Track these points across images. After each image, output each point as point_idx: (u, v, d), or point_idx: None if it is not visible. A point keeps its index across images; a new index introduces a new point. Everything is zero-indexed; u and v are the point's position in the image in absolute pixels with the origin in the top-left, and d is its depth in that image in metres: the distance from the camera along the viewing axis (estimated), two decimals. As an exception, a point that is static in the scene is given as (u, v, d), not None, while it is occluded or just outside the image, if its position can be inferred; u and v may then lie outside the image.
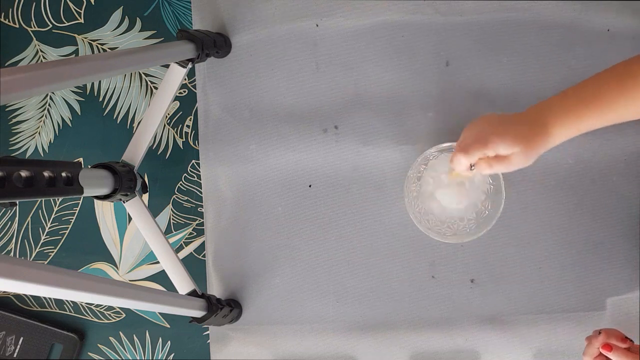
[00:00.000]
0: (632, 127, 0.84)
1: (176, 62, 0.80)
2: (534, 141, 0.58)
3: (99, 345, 0.97)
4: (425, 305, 0.89)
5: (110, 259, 0.96)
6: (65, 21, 0.96)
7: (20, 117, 0.98)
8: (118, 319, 0.96)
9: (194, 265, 0.94)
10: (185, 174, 0.95)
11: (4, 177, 0.56)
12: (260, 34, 0.90)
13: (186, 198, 0.95)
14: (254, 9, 0.90)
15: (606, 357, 0.69)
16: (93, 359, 0.97)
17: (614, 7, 0.83)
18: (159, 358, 0.96)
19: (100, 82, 0.96)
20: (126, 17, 0.95)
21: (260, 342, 0.93)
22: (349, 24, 0.88)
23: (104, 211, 0.96)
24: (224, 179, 0.92)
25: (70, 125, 0.97)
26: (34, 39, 0.97)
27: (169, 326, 0.96)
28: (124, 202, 0.81)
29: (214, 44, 0.85)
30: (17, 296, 0.98)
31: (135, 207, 0.82)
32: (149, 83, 0.95)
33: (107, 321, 0.97)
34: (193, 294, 0.83)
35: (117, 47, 0.95)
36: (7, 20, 0.97)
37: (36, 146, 0.97)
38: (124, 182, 0.76)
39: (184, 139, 0.95)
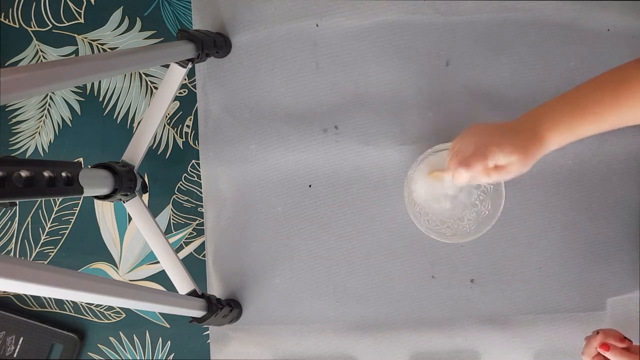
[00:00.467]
0: (632, 127, 0.83)
1: (176, 62, 0.80)
2: (531, 149, 0.58)
3: (99, 345, 0.97)
4: (425, 305, 0.89)
5: (110, 259, 0.96)
6: (65, 21, 0.96)
7: (20, 117, 0.98)
8: (118, 319, 0.96)
9: (194, 265, 0.94)
10: (185, 174, 0.95)
11: (4, 177, 0.56)
12: (260, 34, 0.90)
13: (186, 198, 0.95)
14: (254, 9, 0.90)
15: (604, 356, 0.69)
16: (93, 359, 0.97)
17: (614, 7, 0.83)
18: (159, 358, 0.96)
19: (100, 82, 0.96)
20: (126, 17, 0.95)
21: (260, 342, 0.93)
22: (349, 24, 0.88)
23: (104, 211, 0.96)
24: (224, 179, 0.92)
25: (70, 125, 0.97)
26: (34, 39, 0.97)
27: (169, 326, 0.96)
28: (124, 202, 0.81)
29: (214, 44, 0.85)
30: (17, 296, 0.98)
31: (135, 207, 0.82)
32: (149, 83, 0.95)
33: (107, 321, 0.97)
34: (193, 294, 0.83)
35: (117, 47, 0.95)
36: (7, 20, 0.97)
37: (36, 146, 0.97)
38: (124, 182, 0.76)
39: (184, 139, 0.95)
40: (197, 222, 0.95)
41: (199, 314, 0.81)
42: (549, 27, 0.84)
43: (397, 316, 0.89)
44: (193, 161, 0.94)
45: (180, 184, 0.95)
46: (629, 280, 0.85)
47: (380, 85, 0.88)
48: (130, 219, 0.95)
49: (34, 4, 0.96)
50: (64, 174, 0.65)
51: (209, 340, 0.94)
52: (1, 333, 0.95)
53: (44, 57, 0.96)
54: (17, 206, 0.98)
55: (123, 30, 0.95)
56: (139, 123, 0.94)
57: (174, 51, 0.78)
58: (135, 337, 0.96)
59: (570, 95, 0.58)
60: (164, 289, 0.93)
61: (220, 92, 0.92)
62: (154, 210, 0.95)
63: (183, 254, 0.95)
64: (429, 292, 0.89)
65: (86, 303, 0.97)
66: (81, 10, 0.95)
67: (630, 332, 0.82)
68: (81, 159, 0.96)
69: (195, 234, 0.95)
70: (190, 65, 0.81)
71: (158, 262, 0.94)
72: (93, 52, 0.96)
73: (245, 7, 0.90)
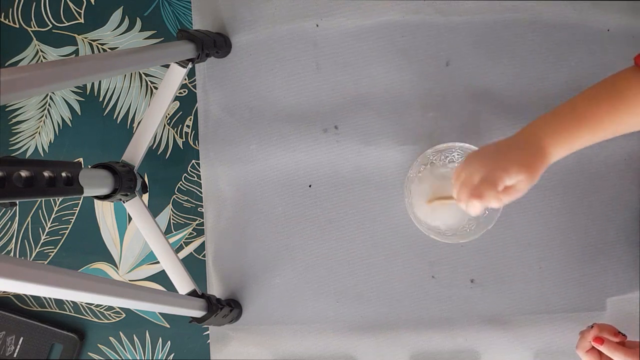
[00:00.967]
0: (632, 127, 0.83)
1: (176, 62, 0.80)
2: (535, 164, 0.57)
3: (99, 345, 0.97)
4: (425, 305, 0.89)
5: (110, 259, 0.96)
6: (65, 21, 0.96)
7: (20, 117, 0.98)
8: (118, 319, 0.96)
9: (194, 265, 0.94)
10: (185, 174, 0.95)
11: (4, 177, 0.56)
12: (261, 34, 0.90)
13: (186, 198, 0.95)
14: (254, 9, 0.90)
15: (598, 350, 0.69)
16: (93, 359, 0.97)
17: (614, 7, 0.83)
18: (159, 358, 0.96)
19: (100, 82, 0.96)
20: (126, 17, 0.94)
21: (260, 342, 0.93)
22: (349, 24, 0.88)
23: (104, 211, 0.96)
24: (224, 179, 0.92)
25: (70, 125, 0.97)
26: (34, 39, 0.97)
27: (169, 326, 0.96)
28: (124, 202, 0.81)
29: (214, 44, 0.85)
30: (17, 296, 0.98)
31: (135, 207, 0.82)
32: (149, 83, 0.95)
33: (107, 321, 0.97)
34: (193, 294, 0.83)
35: (117, 47, 0.95)
36: (7, 20, 0.97)
37: (36, 146, 0.97)
38: (124, 182, 0.76)
39: (184, 139, 0.95)
40: (197, 222, 0.95)
41: (199, 314, 0.81)
42: (549, 27, 0.84)
43: (398, 316, 0.89)
44: (193, 161, 0.94)
45: (180, 184, 0.95)
46: (629, 280, 0.85)
47: (381, 85, 0.88)
48: (130, 219, 0.95)
49: (34, 4, 0.96)
50: (64, 174, 0.65)
51: (209, 340, 0.94)
52: (1, 333, 0.95)
53: (44, 57, 0.96)
54: (17, 206, 0.98)
55: (123, 30, 0.95)
56: (139, 123, 0.94)
57: (174, 51, 0.78)
58: (135, 337, 0.96)
59: (567, 106, 0.58)
60: (164, 289, 0.93)
61: (220, 92, 0.92)
62: (154, 210, 0.95)
63: (183, 254, 0.95)
64: (429, 292, 0.88)
65: (86, 303, 0.97)
66: (81, 10, 0.95)
67: (630, 332, 0.82)
68: (81, 159, 0.96)
69: (195, 234, 0.95)
70: (190, 65, 0.80)
71: (158, 262, 0.94)
72: (93, 52, 0.96)
73: (246, 7, 0.90)
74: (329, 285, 0.91)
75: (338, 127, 0.89)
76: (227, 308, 0.86)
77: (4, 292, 0.98)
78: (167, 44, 0.79)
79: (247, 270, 0.93)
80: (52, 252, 0.97)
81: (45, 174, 0.62)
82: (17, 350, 0.94)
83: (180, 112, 0.94)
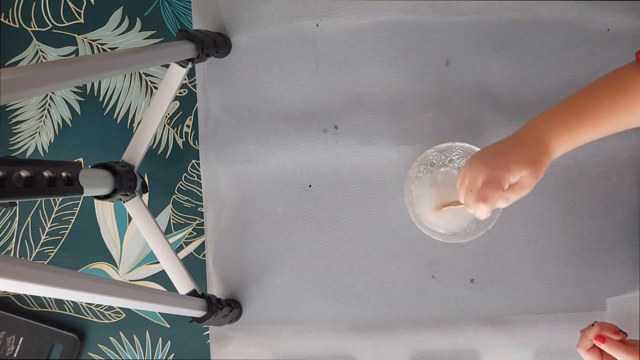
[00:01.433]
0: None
1: (176, 62, 0.80)
2: (538, 159, 0.57)
3: (99, 345, 0.97)
4: (425, 305, 0.89)
5: (110, 259, 0.96)
6: (65, 21, 0.96)
7: (20, 117, 0.98)
8: (118, 319, 0.96)
9: (194, 265, 0.94)
10: (185, 174, 0.95)
11: (4, 177, 0.56)
12: (260, 34, 0.90)
13: (186, 198, 0.95)
14: (254, 9, 0.90)
15: (599, 349, 0.69)
16: (93, 359, 0.97)
17: (614, 7, 0.83)
18: (159, 358, 0.96)
19: (100, 82, 0.96)
20: (126, 17, 0.95)
21: (260, 342, 0.93)
22: (349, 24, 0.88)
23: (104, 211, 0.96)
24: (224, 179, 0.92)
25: (70, 125, 0.97)
26: (34, 39, 0.97)
27: (169, 326, 0.96)
28: (124, 202, 0.81)
29: (214, 44, 0.85)
30: (17, 296, 0.98)
31: (135, 207, 0.82)
32: (149, 83, 0.95)
33: (107, 321, 0.97)
34: (193, 294, 0.83)
35: (117, 47, 0.95)
36: (7, 20, 0.97)
37: (36, 146, 0.97)
38: (124, 182, 0.76)
39: (184, 139, 0.95)
40: (197, 222, 0.95)
41: (199, 314, 0.81)
42: (549, 27, 0.84)
43: (397, 316, 0.89)
44: (193, 161, 0.94)
45: (180, 184, 0.95)
46: (629, 280, 0.85)
47: (380, 85, 0.88)
48: (130, 219, 0.95)
49: (34, 4, 0.96)
50: (64, 174, 0.65)
51: (209, 340, 0.94)
52: (1, 333, 0.95)
53: (44, 57, 0.96)
54: (17, 206, 0.98)
55: (123, 30, 0.95)
56: (139, 123, 0.94)
57: (174, 51, 0.78)
58: (135, 337, 0.96)
59: (568, 102, 0.58)
60: (164, 289, 0.93)
61: (220, 92, 0.92)
62: (154, 210, 0.95)
63: (183, 254, 0.95)
64: (429, 292, 0.88)
65: (86, 303, 0.97)
66: (81, 10, 0.95)
67: (630, 331, 0.82)
68: (81, 159, 0.96)
69: (195, 234, 0.95)
70: (190, 65, 0.81)
71: (158, 262, 0.94)
72: (93, 52, 0.96)
73: (245, 7, 0.90)
74: (328, 285, 0.91)
75: (338, 127, 0.89)
76: (227, 308, 0.86)
77: (4, 292, 0.98)
78: (167, 44, 0.79)
79: (247, 270, 0.93)
80: (52, 252, 0.97)
81: (45, 174, 0.62)
82: (17, 350, 0.94)
83: (180, 112, 0.94)
